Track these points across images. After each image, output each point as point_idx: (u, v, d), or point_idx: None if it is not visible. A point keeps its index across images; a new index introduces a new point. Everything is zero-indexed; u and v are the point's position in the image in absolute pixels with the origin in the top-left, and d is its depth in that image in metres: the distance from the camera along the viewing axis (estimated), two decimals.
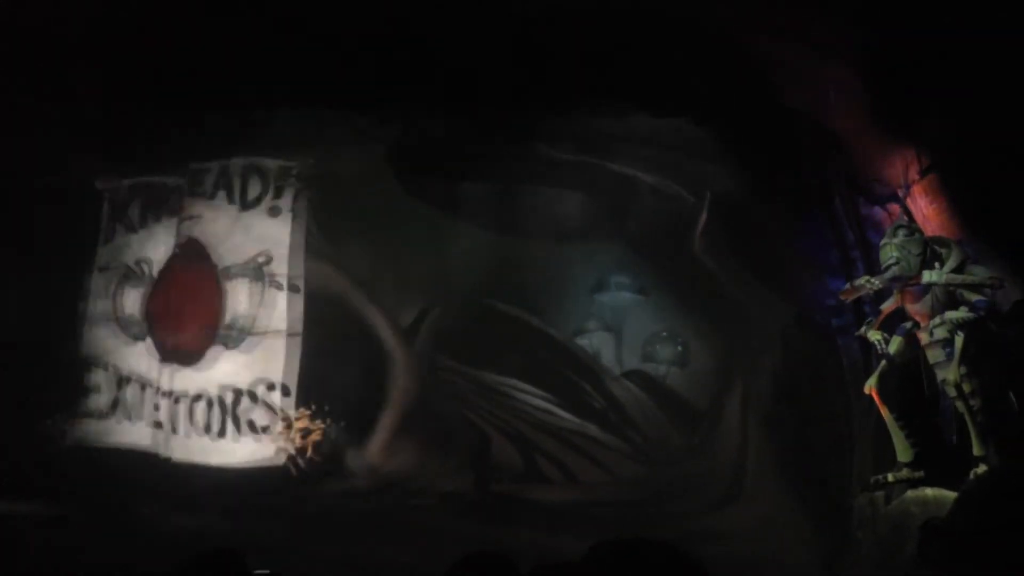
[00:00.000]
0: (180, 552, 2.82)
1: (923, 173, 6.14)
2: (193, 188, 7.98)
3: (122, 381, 7.84)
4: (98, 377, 7.87)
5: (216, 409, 7.42)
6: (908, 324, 5.75)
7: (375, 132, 7.93)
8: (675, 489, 6.99)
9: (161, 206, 8.21)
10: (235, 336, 7.54)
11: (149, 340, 7.86)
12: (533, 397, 7.34)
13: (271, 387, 7.37)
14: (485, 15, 6.97)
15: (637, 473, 7.13)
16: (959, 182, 5.98)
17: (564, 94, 7.37)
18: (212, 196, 7.93)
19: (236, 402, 7.39)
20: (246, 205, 7.88)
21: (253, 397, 7.38)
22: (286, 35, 7.40)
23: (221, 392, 7.45)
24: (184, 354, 7.62)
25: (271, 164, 7.92)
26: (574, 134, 7.66)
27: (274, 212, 7.81)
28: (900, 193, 6.42)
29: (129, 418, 7.70)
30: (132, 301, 8.02)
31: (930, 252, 5.53)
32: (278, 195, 7.84)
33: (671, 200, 7.56)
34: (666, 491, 6.98)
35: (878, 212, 6.72)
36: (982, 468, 5.15)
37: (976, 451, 5.24)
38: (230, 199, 7.90)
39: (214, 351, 7.56)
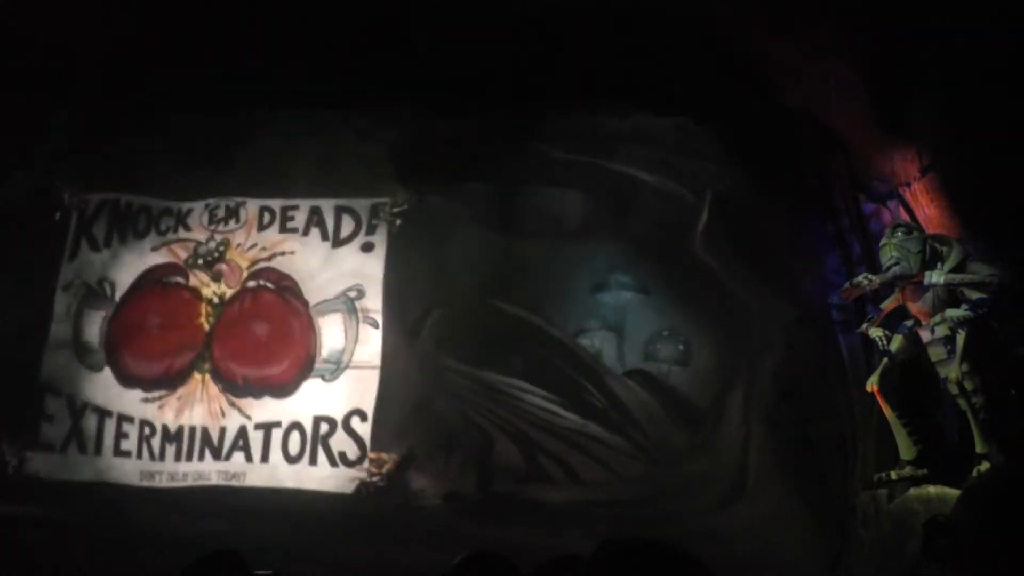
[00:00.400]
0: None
1: (923, 171, 6.14)
2: (284, 224, 7.98)
3: (81, 410, 7.66)
4: (57, 405, 7.67)
5: (299, 437, 7.39)
6: (910, 322, 5.76)
7: (376, 132, 7.94)
8: (677, 488, 6.98)
9: (130, 226, 8.11)
10: (330, 369, 7.56)
11: (108, 369, 7.73)
12: (535, 397, 7.33)
13: (363, 417, 7.39)
14: (486, 15, 6.98)
15: (639, 472, 7.12)
16: (959, 180, 5.98)
17: (564, 94, 7.39)
18: (305, 232, 7.94)
19: (324, 432, 7.40)
20: (339, 242, 7.89)
21: (344, 427, 7.38)
22: (286, 35, 7.41)
23: (306, 421, 7.45)
24: (270, 386, 7.60)
25: (363, 204, 7.95)
26: (574, 134, 7.66)
27: (367, 248, 7.85)
28: (901, 191, 6.43)
29: (84, 451, 7.51)
30: (92, 325, 7.86)
31: (930, 250, 5.53)
32: (372, 231, 7.87)
33: (672, 199, 7.56)
34: (668, 490, 6.98)
35: (879, 210, 6.73)
36: (985, 466, 5.16)
37: (979, 448, 5.24)
38: (324, 236, 7.92)
39: (305, 384, 7.57)
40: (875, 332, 5.85)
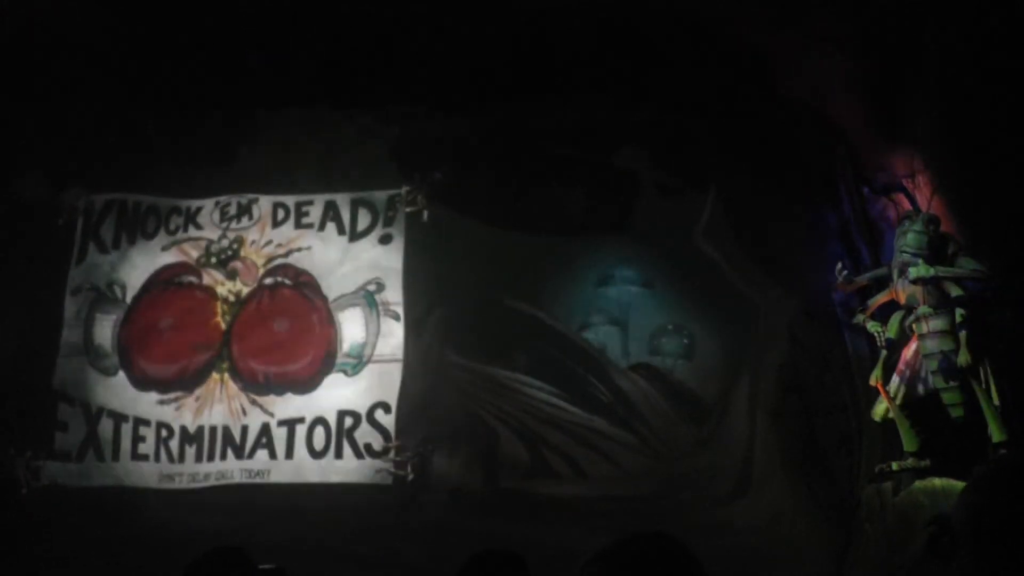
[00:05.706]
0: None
1: (926, 164, 6.15)
2: (299, 220, 7.89)
3: (97, 416, 7.53)
4: (71, 412, 7.53)
5: (324, 432, 7.30)
6: (900, 314, 5.81)
7: (377, 130, 7.93)
8: (684, 482, 6.98)
9: (139, 226, 8.00)
10: (352, 363, 7.47)
11: (122, 373, 7.61)
12: (540, 391, 7.34)
13: (386, 409, 7.30)
14: (486, 12, 6.97)
15: (645, 466, 7.12)
16: (956, 179, 5.99)
17: (565, 90, 7.38)
18: (321, 227, 7.86)
19: (349, 426, 7.30)
20: (356, 236, 7.82)
21: (368, 419, 7.29)
22: (286, 34, 7.41)
23: (330, 416, 7.35)
24: (293, 383, 7.50)
25: (380, 196, 7.87)
26: (575, 129, 7.65)
27: (385, 240, 7.78)
28: (905, 183, 6.42)
29: (102, 458, 7.39)
30: (104, 329, 7.73)
31: (938, 238, 5.60)
32: (389, 223, 7.81)
33: (674, 194, 7.55)
34: (675, 484, 6.98)
35: (883, 202, 6.72)
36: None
37: (996, 438, 5.23)
38: (340, 230, 7.84)
39: (328, 379, 7.46)
40: (873, 326, 5.88)
